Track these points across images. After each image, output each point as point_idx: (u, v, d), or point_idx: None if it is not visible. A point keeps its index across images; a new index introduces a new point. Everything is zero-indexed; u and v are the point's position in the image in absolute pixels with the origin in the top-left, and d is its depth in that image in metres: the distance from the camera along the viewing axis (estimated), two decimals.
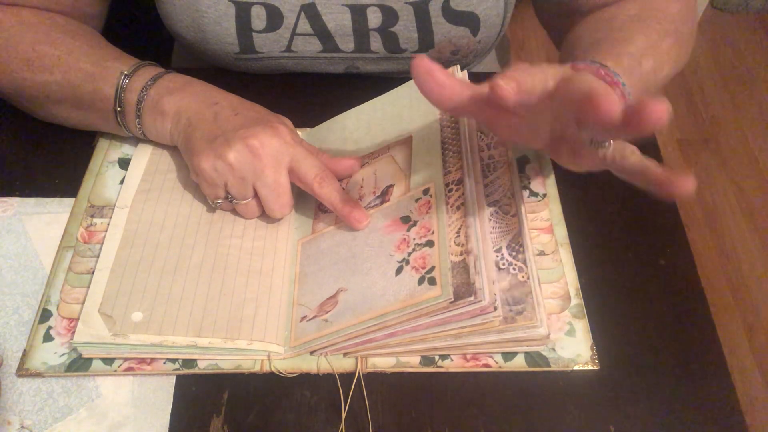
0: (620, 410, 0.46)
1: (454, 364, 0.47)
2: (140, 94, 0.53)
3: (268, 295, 0.49)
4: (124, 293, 0.48)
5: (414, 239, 0.47)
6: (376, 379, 0.47)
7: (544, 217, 0.55)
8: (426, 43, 0.63)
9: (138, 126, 0.55)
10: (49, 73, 0.55)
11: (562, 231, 0.54)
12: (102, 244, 0.52)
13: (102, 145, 0.60)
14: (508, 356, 0.47)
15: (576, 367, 0.47)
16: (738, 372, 1.27)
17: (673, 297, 0.51)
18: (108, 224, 0.53)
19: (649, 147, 0.61)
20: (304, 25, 0.61)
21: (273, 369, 0.47)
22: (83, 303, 0.48)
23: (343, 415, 0.45)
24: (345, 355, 0.47)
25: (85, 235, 0.53)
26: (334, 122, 0.60)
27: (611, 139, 0.41)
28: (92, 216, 0.54)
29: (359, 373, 0.47)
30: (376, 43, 0.63)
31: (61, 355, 0.47)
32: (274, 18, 0.60)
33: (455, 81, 0.40)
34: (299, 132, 0.56)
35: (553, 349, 0.48)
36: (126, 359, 0.47)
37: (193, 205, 0.54)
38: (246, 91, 0.56)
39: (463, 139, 0.51)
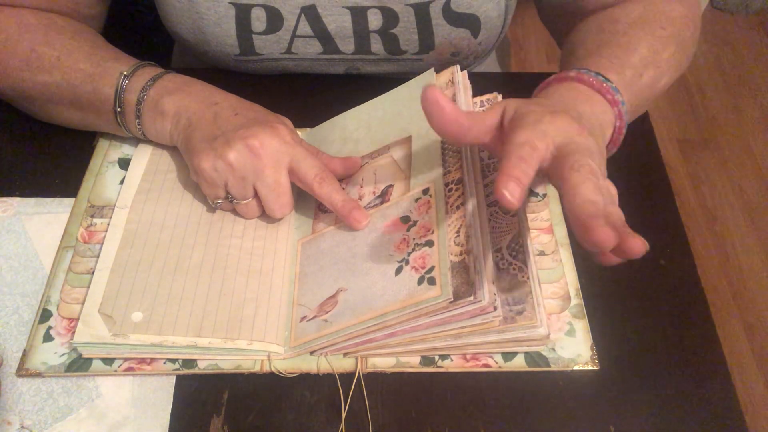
0: (620, 410, 0.46)
1: (454, 364, 0.47)
2: (140, 95, 0.53)
3: (268, 295, 0.49)
4: (124, 293, 0.48)
5: (414, 239, 0.47)
6: (376, 379, 0.47)
7: (544, 217, 0.55)
8: (426, 45, 0.63)
9: (138, 126, 0.55)
10: (49, 73, 0.55)
11: (562, 231, 0.54)
12: (102, 244, 0.52)
13: (102, 145, 0.60)
14: (508, 356, 0.47)
15: (576, 367, 0.47)
16: (738, 372, 1.27)
17: (673, 297, 0.51)
18: (108, 224, 0.53)
19: (649, 147, 0.61)
20: (305, 27, 0.61)
21: (273, 369, 0.47)
22: (83, 303, 0.48)
23: (343, 415, 0.45)
24: (345, 355, 0.47)
25: (85, 235, 0.53)
26: (334, 122, 0.60)
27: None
28: (92, 216, 0.54)
29: (359, 373, 0.47)
30: (376, 44, 0.63)
31: (61, 355, 0.47)
32: (275, 20, 0.60)
33: (462, 114, 0.41)
34: (299, 132, 0.56)
35: (553, 349, 0.48)
36: (126, 359, 0.47)
37: (193, 205, 0.54)
38: (246, 91, 0.56)
39: None
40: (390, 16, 0.60)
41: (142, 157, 0.58)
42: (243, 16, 0.60)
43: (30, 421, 0.44)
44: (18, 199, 0.56)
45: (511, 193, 0.37)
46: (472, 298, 0.41)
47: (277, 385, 0.46)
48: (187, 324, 0.47)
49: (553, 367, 0.47)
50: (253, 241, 0.52)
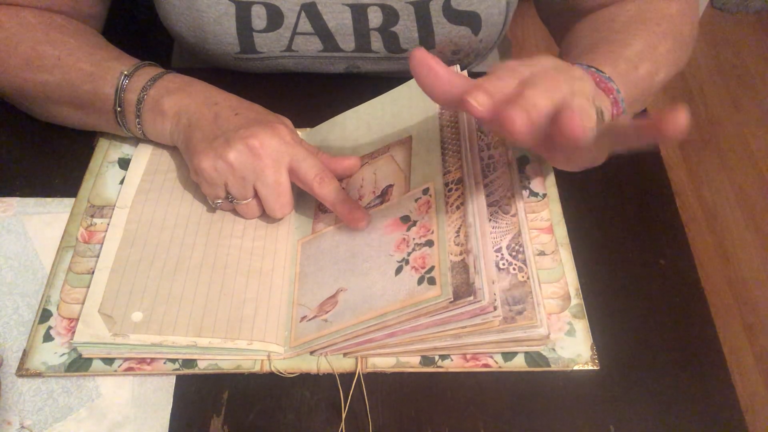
0: (620, 410, 0.46)
1: (454, 364, 0.47)
2: (140, 95, 0.53)
3: (268, 295, 0.49)
4: (124, 293, 0.48)
5: (414, 239, 0.47)
6: (376, 379, 0.47)
7: (544, 217, 0.55)
8: (427, 43, 0.63)
9: (138, 126, 0.55)
10: (49, 73, 0.55)
11: (562, 231, 0.54)
12: (102, 244, 0.52)
13: (102, 145, 0.60)
14: (508, 356, 0.47)
15: (576, 367, 0.47)
16: (738, 372, 1.27)
17: (673, 297, 0.51)
18: (108, 224, 0.53)
19: (649, 147, 0.61)
20: (305, 25, 0.61)
21: (273, 369, 0.47)
22: (83, 303, 0.48)
23: (343, 415, 0.45)
24: (345, 355, 0.47)
25: (85, 235, 0.53)
26: (334, 122, 0.60)
27: (624, 148, 0.40)
28: (92, 216, 0.54)
29: (359, 373, 0.47)
30: (376, 42, 0.63)
31: (61, 355, 0.47)
32: (275, 17, 0.60)
33: (453, 74, 0.39)
34: (299, 132, 0.56)
35: (553, 349, 0.48)
36: (126, 359, 0.47)
37: (193, 205, 0.54)
38: (246, 91, 0.56)
39: (463, 139, 0.51)
40: (390, 14, 0.60)
41: (142, 157, 0.58)
42: (243, 13, 0.60)
43: (30, 421, 0.44)
44: (18, 199, 0.56)
45: (476, 99, 0.35)
46: (472, 298, 0.41)
47: (277, 385, 0.46)
48: (187, 324, 0.47)
49: (553, 367, 0.47)
50: (253, 241, 0.52)
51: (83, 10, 0.60)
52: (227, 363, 0.47)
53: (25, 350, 0.47)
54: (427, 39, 0.62)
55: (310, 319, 0.47)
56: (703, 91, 1.77)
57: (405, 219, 0.49)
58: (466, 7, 0.61)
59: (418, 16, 0.61)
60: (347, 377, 0.47)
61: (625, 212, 0.57)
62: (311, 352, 0.47)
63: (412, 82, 0.58)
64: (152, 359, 0.47)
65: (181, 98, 0.53)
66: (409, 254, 0.46)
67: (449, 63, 0.60)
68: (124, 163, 0.58)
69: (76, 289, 0.50)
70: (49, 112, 0.59)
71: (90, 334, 0.46)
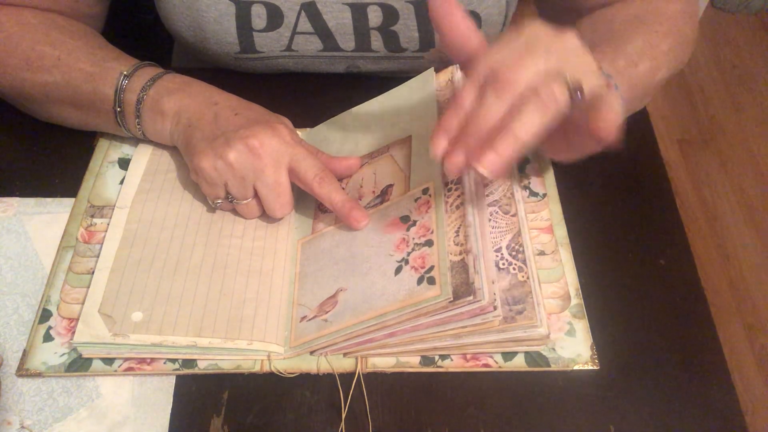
0: (620, 410, 0.46)
1: (454, 364, 0.47)
2: (140, 95, 0.53)
3: (268, 295, 0.49)
4: (124, 293, 0.48)
5: (413, 239, 0.47)
6: (376, 379, 0.47)
7: (544, 217, 0.55)
8: (427, 42, 0.63)
9: (138, 126, 0.55)
10: (49, 73, 0.55)
11: (562, 231, 0.54)
12: (102, 244, 0.52)
13: (102, 145, 0.60)
14: (508, 356, 0.47)
15: (576, 367, 0.47)
16: (738, 372, 1.27)
17: (673, 297, 0.51)
18: (108, 224, 0.53)
19: (649, 147, 0.61)
20: (305, 24, 0.61)
21: (273, 369, 0.47)
22: (83, 303, 0.48)
23: (343, 415, 0.45)
24: (345, 355, 0.47)
25: (85, 235, 0.53)
26: (334, 122, 0.60)
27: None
28: (92, 216, 0.54)
29: (359, 373, 0.47)
30: (376, 42, 0.63)
31: (61, 355, 0.47)
32: (275, 17, 0.60)
33: (470, 24, 0.41)
34: (299, 132, 0.56)
35: (553, 349, 0.48)
36: (126, 359, 0.47)
37: (193, 205, 0.54)
38: (246, 91, 0.56)
39: None
40: (390, 13, 0.61)
41: (142, 157, 0.58)
42: (243, 13, 0.60)
43: (30, 421, 0.44)
44: (18, 199, 0.56)
45: (439, 146, 0.41)
46: (471, 297, 0.41)
47: (277, 385, 0.46)
48: (187, 324, 0.47)
49: (553, 367, 0.47)
50: (253, 241, 0.52)
51: (83, 10, 0.60)
52: (227, 363, 0.47)
53: (25, 350, 0.47)
54: (426, 38, 0.62)
55: (310, 319, 0.47)
56: (703, 91, 1.77)
57: (405, 219, 0.49)
58: (465, 6, 0.61)
59: (418, 15, 0.61)
60: (347, 377, 0.47)
61: (625, 212, 0.57)
62: (311, 352, 0.47)
63: (412, 81, 0.58)
64: (152, 359, 0.47)
65: (180, 98, 0.53)
66: (408, 254, 0.46)
67: (449, 62, 0.60)
68: (124, 163, 0.58)
69: (76, 289, 0.50)
70: (49, 112, 0.59)
71: (90, 334, 0.46)
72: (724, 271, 1.42)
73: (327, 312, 0.47)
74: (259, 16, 0.60)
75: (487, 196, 0.50)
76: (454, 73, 0.56)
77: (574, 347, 0.48)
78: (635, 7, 0.59)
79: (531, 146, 0.40)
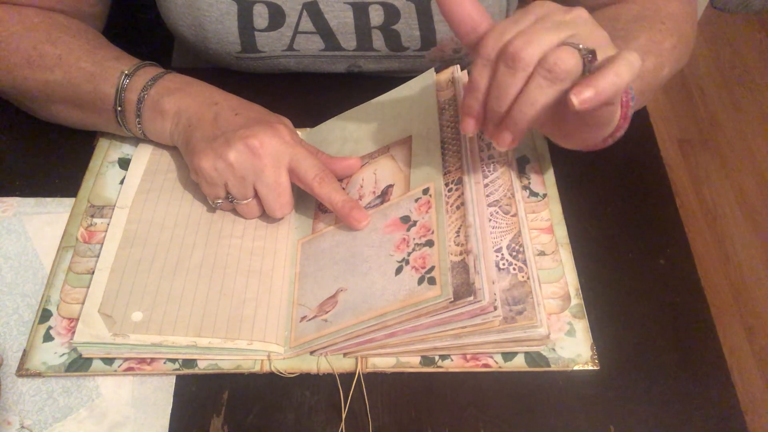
0: (620, 410, 0.46)
1: (454, 364, 0.47)
2: (140, 94, 0.53)
3: (268, 295, 0.49)
4: (124, 293, 0.48)
5: (414, 239, 0.47)
6: (376, 379, 0.47)
7: (544, 217, 0.55)
8: (428, 41, 0.63)
9: (138, 126, 0.55)
10: (50, 72, 0.55)
11: (562, 231, 0.54)
12: (102, 244, 0.52)
13: (102, 145, 0.60)
14: (508, 356, 0.47)
15: (576, 367, 0.47)
16: (738, 372, 1.27)
17: (673, 297, 0.51)
18: (108, 224, 0.53)
19: (649, 147, 0.61)
20: (306, 24, 0.61)
21: (273, 369, 0.47)
22: (83, 303, 0.48)
23: (343, 415, 0.45)
24: (345, 355, 0.47)
25: (85, 235, 0.53)
26: (334, 122, 0.60)
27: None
28: (92, 216, 0.54)
29: (359, 373, 0.47)
30: (378, 41, 0.63)
31: (61, 355, 0.47)
32: (277, 16, 0.60)
33: (477, 6, 0.42)
34: (299, 132, 0.56)
35: (553, 349, 0.48)
36: (126, 359, 0.47)
37: (193, 205, 0.54)
38: (246, 91, 0.56)
39: (463, 139, 0.51)
40: (391, 12, 0.61)
41: (142, 157, 0.58)
42: (245, 12, 0.60)
43: (30, 421, 0.44)
44: (18, 199, 0.56)
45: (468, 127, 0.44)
46: (472, 298, 0.41)
47: (277, 385, 0.46)
48: (187, 324, 0.47)
49: (553, 367, 0.47)
50: (253, 241, 0.52)
51: (84, 10, 0.61)
52: (227, 363, 0.47)
53: (25, 350, 0.47)
54: (428, 37, 0.62)
55: (310, 319, 0.47)
56: (703, 91, 1.77)
57: (405, 219, 0.49)
58: None
59: (420, 14, 0.61)
60: (347, 377, 0.47)
61: (625, 212, 0.57)
62: (311, 352, 0.47)
63: (413, 82, 0.58)
64: (152, 359, 0.47)
65: (181, 98, 0.53)
66: (409, 254, 0.46)
67: (450, 61, 0.60)
68: (124, 163, 0.58)
69: (76, 289, 0.50)
70: (50, 111, 0.59)
71: (90, 334, 0.46)
72: (724, 271, 1.42)
73: (327, 312, 0.47)
74: (260, 15, 0.60)
75: (488, 196, 0.50)
76: (455, 72, 0.56)
77: (574, 347, 0.48)
78: (637, 6, 0.59)
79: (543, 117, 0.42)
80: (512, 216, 0.49)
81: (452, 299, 0.42)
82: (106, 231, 0.52)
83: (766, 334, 1.32)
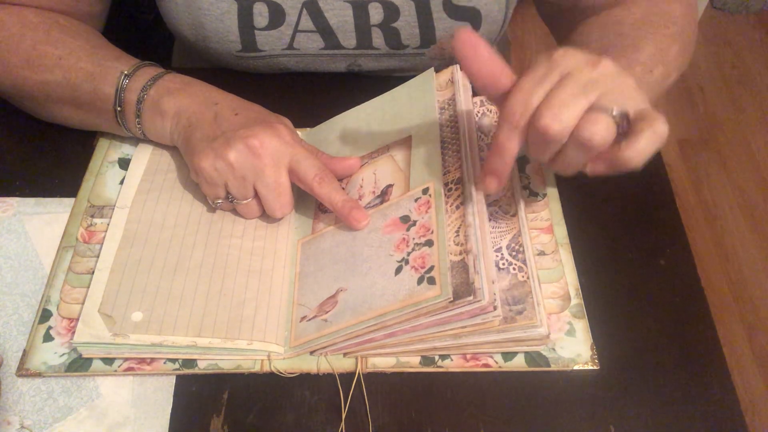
0: (620, 410, 0.46)
1: (454, 364, 0.47)
2: (140, 94, 0.53)
3: (268, 295, 0.49)
4: (124, 293, 0.48)
5: (413, 239, 0.47)
6: (376, 379, 0.47)
7: (544, 217, 0.55)
8: (428, 39, 0.63)
9: (138, 126, 0.55)
10: (50, 72, 0.55)
11: (562, 231, 0.54)
12: (102, 244, 0.52)
13: (102, 145, 0.60)
14: (508, 356, 0.47)
15: (576, 367, 0.47)
16: (738, 372, 1.27)
17: (673, 297, 0.51)
18: (108, 224, 0.53)
19: None
20: (306, 22, 0.61)
21: (273, 369, 0.47)
22: (83, 303, 0.48)
23: (343, 415, 0.45)
24: (345, 355, 0.47)
25: (85, 235, 0.53)
26: (334, 122, 0.60)
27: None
28: (92, 216, 0.54)
29: (359, 373, 0.47)
30: (378, 39, 0.63)
31: (61, 355, 0.47)
32: (277, 15, 0.60)
33: (498, 63, 0.41)
34: (299, 132, 0.56)
35: (553, 349, 0.48)
36: (126, 359, 0.47)
37: (193, 205, 0.54)
38: (246, 91, 0.56)
39: (463, 139, 0.51)
40: (391, 10, 0.61)
41: (142, 157, 0.58)
42: (245, 11, 0.60)
43: (30, 421, 0.44)
44: (18, 199, 0.56)
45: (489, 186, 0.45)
46: (471, 297, 0.41)
47: (277, 385, 0.46)
48: (187, 324, 0.47)
49: (553, 367, 0.47)
50: (253, 241, 0.52)
51: (84, 10, 0.61)
52: (227, 363, 0.47)
53: (25, 350, 0.47)
54: (427, 35, 0.62)
55: (310, 319, 0.47)
56: (703, 91, 1.77)
57: (405, 219, 0.49)
58: (466, 3, 0.61)
59: (419, 12, 0.61)
60: (347, 377, 0.47)
61: (625, 212, 0.57)
62: (311, 352, 0.47)
63: (412, 81, 0.58)
64: (152, 359, 0.47)
65: (181, 98, 0.53)
66: (408, 254, 0.46)
67: (450, 59, 0.60)
68: (124, 163, 0.58)
69: (76, 289, 0.50)
70: (50, 111, 0.59)
71: (90, 334, 0.46)
72: (724, 271, 1.42)
73: (327, 312, 0.47)
74: (260, 14, 0.60)
75: (487, 196, 0.50)
76: (455, 73, 0.56)
77: (574, 347, 0.48)
78: (641, 9, 0.59)
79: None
80: (512, 216, 0.49)
81: (452, 299, 0.42)
82: (106, 231, 0.52)
83: (766, 334, 1.32)
